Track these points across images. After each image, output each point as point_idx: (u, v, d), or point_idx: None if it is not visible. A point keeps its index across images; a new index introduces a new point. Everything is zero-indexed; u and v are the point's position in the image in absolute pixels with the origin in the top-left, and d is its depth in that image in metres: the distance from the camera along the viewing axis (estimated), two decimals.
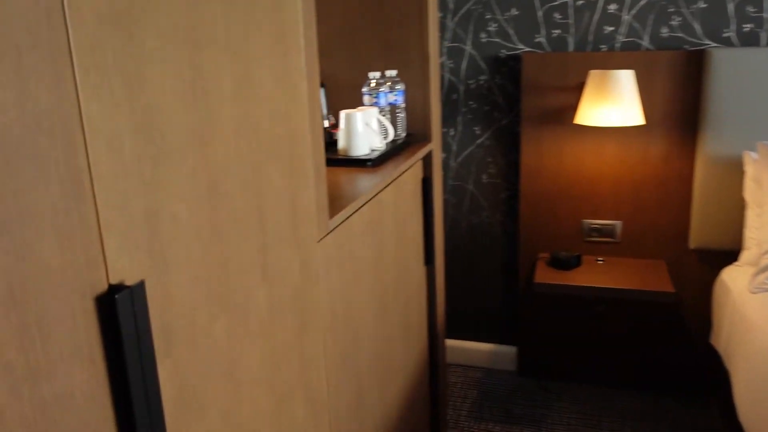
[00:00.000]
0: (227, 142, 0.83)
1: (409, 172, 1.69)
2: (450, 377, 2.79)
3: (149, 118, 0.68)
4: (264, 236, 0.93)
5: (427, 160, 1.93)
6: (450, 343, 2.88)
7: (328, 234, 1.17)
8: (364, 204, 1.35)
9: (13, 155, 0.52)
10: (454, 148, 2.65)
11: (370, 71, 1.89)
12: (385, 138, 1.75)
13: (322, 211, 1.14)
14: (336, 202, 1.28)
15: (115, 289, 0.63)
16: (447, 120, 2.62)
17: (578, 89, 2.38)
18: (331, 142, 1.77)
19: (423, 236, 1.86)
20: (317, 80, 1.09)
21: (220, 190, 0.82)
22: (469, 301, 2.80)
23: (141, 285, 0.66)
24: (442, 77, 2.58)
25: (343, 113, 1.66)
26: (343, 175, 1.55)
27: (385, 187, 1.48)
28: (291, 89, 1.00)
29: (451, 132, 2.63)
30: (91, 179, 0.60)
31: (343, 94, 1.93)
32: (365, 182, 1.42)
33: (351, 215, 1.28)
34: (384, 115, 1.80)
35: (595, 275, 2.34)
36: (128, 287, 0.64)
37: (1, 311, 0.52)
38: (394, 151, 1.72)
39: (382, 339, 1.50)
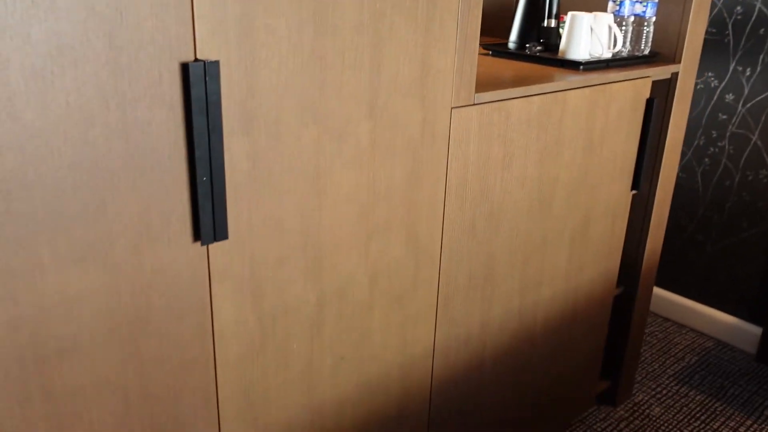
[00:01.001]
0: None
1: (625, 87, 1.61)
2: (673, 336, 2.59)
3: None
4: (376, 77, 1.07)
5: (666, 84, 1.78)
6: (682, 301, 2.65)
7: (470, 106, 1.24)
8: (531, 95, 1.36)
9: None
10: (746, 91, 2.32)
11: None
12: (614, 48, 1.67)
13: (466, 81, 1.21)
14: (500, 84, 1.33)
15: (198, 63, 0.85)
16: (745, 56, 2.30)
17: None
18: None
19: (636, 160, 1.76)
20: None
21: (326, 19, 0.97)
22: (720, 264, 2.52)
23: (216, 65, 0.86)
24: (751, 5, 2.25)
25: (570, 14, 1.63)
26: (541, 70, 1.56)
27: (572, 89, 1.46)
28: None
29: (747, 71, 2.31)
30: None
31: None
32: (556, 80, 1.43)
33: (509, 99, 1.32)
34: (624, 26, 1.71)
35: None
36: (204, 62, 0.85)
37: (102, 49, 0.77)
38: (617, 63, 1.65)
39: (533, 236, 1.52)
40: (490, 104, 1.29)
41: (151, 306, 0.91)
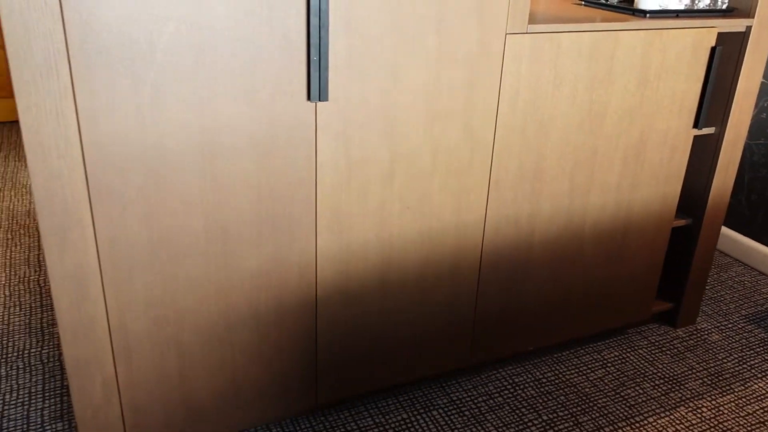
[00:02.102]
0: None
1: (684, 33, 1.90)
2: (762, 287, 2.76)
3: None
4: (443, 2, 1.53)
5: (740, 36, 2.03)
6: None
7: (522, 34, 1.66)
8: (582, 31, 1.74)
9: None
10: None
11: None
12: (687, 0, 1.96)
13: (519, 12, 1.63)
14: (558, 20, 1.72)
15: None
16: None
17: None
18: None
19: (698, 103, 2.04)
20: None
21: None
22: None
23: None
24: None
25: None
26: (609, 15, 1.90)
27: (624, 30, 1.80)
28: None
29: None
30: None
31: None
32: (614, 23, 1.78)
33: (560, 32, 1.71)
34: None
35: None
36: None
37: None
38: (687, 13, 1.94)
39: (583, 148, 1.90)
40: (542, 35, 1.69)
41: (278, 135, 1.48)
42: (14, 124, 4.20)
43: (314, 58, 1.44)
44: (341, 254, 1.68)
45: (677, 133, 2.05)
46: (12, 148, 3.79)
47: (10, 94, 4.11)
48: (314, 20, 1.41)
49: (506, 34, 1.65)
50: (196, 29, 1.33)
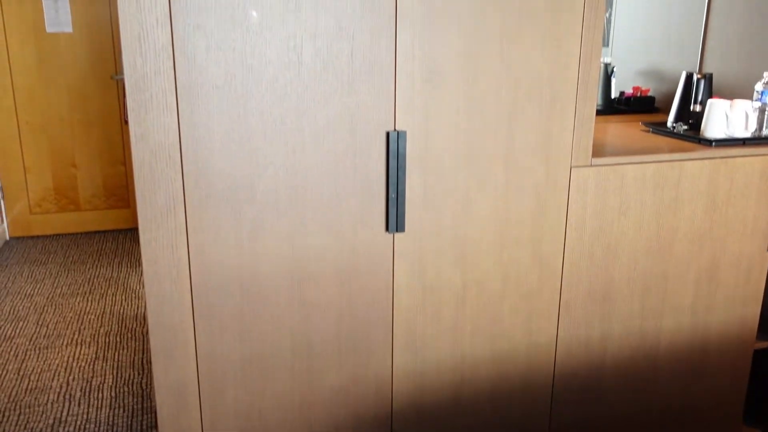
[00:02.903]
0: (488, 86, 1.63)
1: (751, 161, 1.96)
2: None
3: (436, 66, 1.57)
4: (510, 141, 1.69)
5: None
6: None
7: (587, 167, 1.78)
8: (645, 162, 1.84)
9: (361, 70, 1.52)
10: None
11: (767, 71, 2.13)
12: (749, 129, 2.03)
13: (583, 148, 1.76)
14: (620, 152, 1.84)
15: (394, 132, 1.57)
16: None
17: None
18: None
19: None
20: (596, 59, 1.71)
21: (475, 107, 1.64)
22: None
23: (404, 133, 1.58)
24: None
25: (709, 101, 2.05)
26: (676, 144, 2.00)
27: (689, 160, 1.89)
28: (557, 63, 1.68)
29: None
30: (395, 89, 1.55)
31: (738, 86, 2.22)
32: (678, 153, 1.88)
33: (623, 164, 1.82)
34: (765, 111, 2.06)
35: None
36: (397, 132, 1.57)
37: (348, 129, 1.54)
38: (754, 141, 2.01)
39: (652, 272, 1.95)
40: (606, 167, 1.81)
41: (359, 263, 1.64)
42: (129, 232, 4.63)
43: (392, 195, 1.61)
44: (416, 372, 1.78)
45: (751, 255, 2.06)
46: (125, 254, 4.18)
47: (126, 205, 4.56)
48: (393, 162, 1.59)
49: (571, 167, 1.77)
50: (291, 173, 1.53)
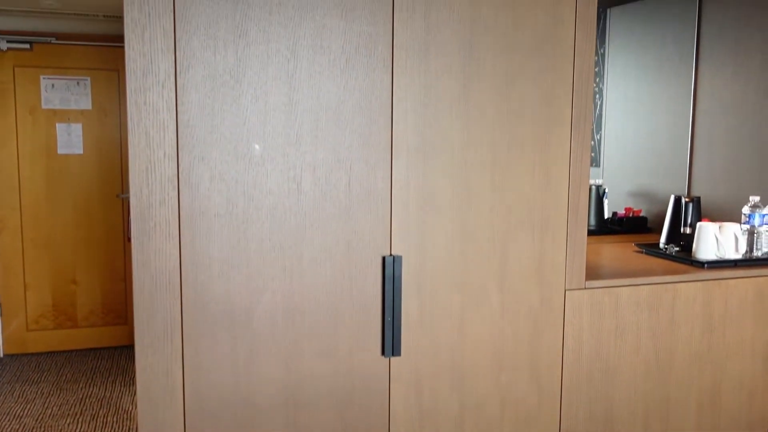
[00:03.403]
0: (481, 212, 1.69)
1: (744, 282, 1.99)
2: None
3: (431, 193, 1.63)
4: (504, 265, 1.72)
5: None
6: None
7: (581, 289, 1.81)
8: (640, 284, 1.87)
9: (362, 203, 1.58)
10: None
11: (753, 195, 2.20)
12: (739, 251, 2.07)
13: (576, 271, 1.80)
14: (614, 274, 1.87)
15: (390, 257, 1.61)
16: None
17: None
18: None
19: None
20: (585, 185, 1.77)
21: (468, 234, 1.68)
22: None
23: (399, 258, 1.62)
24: None
25: (699, 224, 2.11)
26: (669, 266, 2.03)
27: (682, 282, 1.91)
28: (547, 189, 1.74)
29: None
30: (391, 216, 1.61)
31: (726, 209, 2.29)
32: (672, 276, 1.91)
33: (617, 286, 1.85)
34: (756, 233, 2.11)
35: None
36: (393, 256, 1.61)
37: (344, 254, 1.58)
38: (746, 262, 2.04)
39: (653, 395, 1.92)
40: (600, 289, 1.83)
41: (354, 387, 1.63)
42: (125, 348, 4.58)
43: (388, 318, 1.63)
44: None
45: (753, 378, 2.04)
46: (120, 372, 4.11)
47: (124, 321, 4.54)
48: (389, 286, 1.62)
49: (566, 290, 1.80)
50: (288, 297, 1.56)
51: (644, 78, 2.78)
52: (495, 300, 1.73)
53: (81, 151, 4.21)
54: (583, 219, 1.80)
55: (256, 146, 1.49)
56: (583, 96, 1.76)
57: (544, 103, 1.72)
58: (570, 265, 1.79)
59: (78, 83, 4.08)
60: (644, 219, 2.83)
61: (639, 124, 2.85)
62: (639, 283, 1.87)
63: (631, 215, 2.85)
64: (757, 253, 2.11)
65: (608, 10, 2.81)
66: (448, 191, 1.66)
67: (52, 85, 4.05)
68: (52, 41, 3.95)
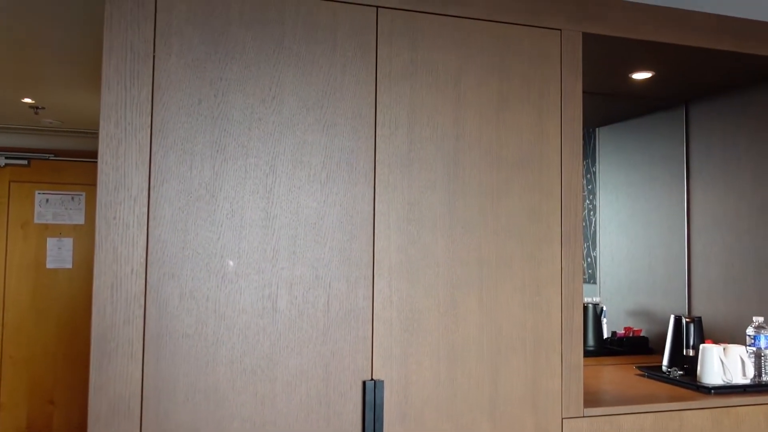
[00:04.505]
0: (469, 333, 1.59)
1: (756, 410, 1.85)
2: None
3: (415, 313, 1.54)
4: (494, 391, 1.60)
5: None
6: None
7: (579, 417, 1.67)
8: (643, 412, 1.74)
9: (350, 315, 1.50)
10: None
11: (756, 316, 2.11)
12: (746, 376, 1.95)
13: (573, 399, 1.67)
14: (615, 400, 1.74)
15: (371, 381, 1.50)
16: None
17: None
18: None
19: None
20: (578, 304, 1.69)
21: (456, 357, 1.58)
22: None
23: (381, 383, 1.51)
24: None
25: (702, 346, 2.00)
26: (673, 391, 1.90)
27: (688, 410, 1.78)
28: (538, 309, 1.65)
29: None
30: (372, 337, 1.51)
31: (728, 329, 2.18)
32: (677, 403, 1.78)
33: (619, 414, 1.71)
34: (761, 356, 1.99)
35: None
36: (374, 381, 1.50)
37: (322, 378, 1.48)
38: (755, 388, 1.91)
39: None
40: (600, 417, 1.70)
41: None
42: None
43: None
44: None
45: None
46: None
47: None
48: (369, 414, 1.49)
49: (562, 419, 1.66)
50: (260, 425, 1.43)
51: (636, 195, 2.76)
52: (486, 430, 1.60)
53: (70, 266, 4.14)
54: (579, 341, 1.70)
55: (230, 262, 1.42)
56: (572, 212, 1.72)
57: (532, 219, 1.67)
58: (566, 390, 1.67)
59: (73, 198, 4.09)
60: (645, 339, 2.71)
61: (634, 241, 2.80)
62: (642, 410, 1.74)
63: (630, 335, 2.73)
64: (766, 378, 1.98)
65: (597, 130, 2.85)
66: (433, 311, 1.57)
67: (47, 200, 4.05)
68: (50, 158, 4.00)
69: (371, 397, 1.50)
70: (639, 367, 2.25)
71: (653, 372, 2.17)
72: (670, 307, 2.65)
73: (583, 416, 1.68)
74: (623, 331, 2.77)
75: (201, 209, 1.42)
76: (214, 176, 1.43)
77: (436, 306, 1.58)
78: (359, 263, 1.52)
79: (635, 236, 2.79)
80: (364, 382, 1.51)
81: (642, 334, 2.77)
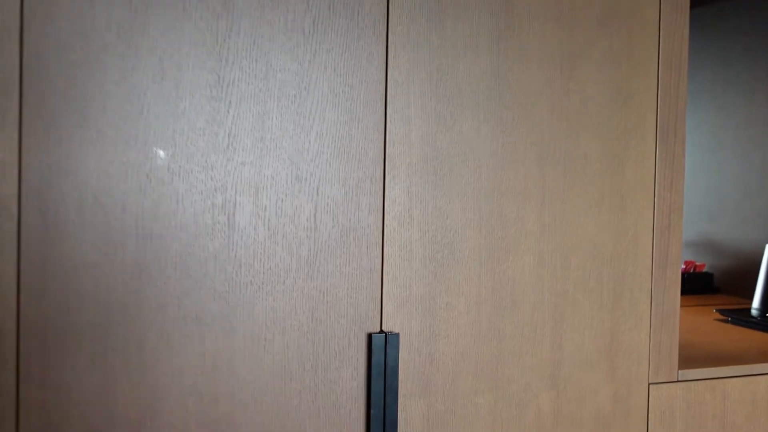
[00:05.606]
0: (523, 265, 1.09)
1: None
2: None
3: (446, 235, 1.04)
4: (558, 350, 1.11)
5: None
6: None
7: (672, 383, 1.19)
8: (757, 374, 1.25)
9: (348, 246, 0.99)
10: None
11: None
12: None
13: (665, 357, 1.18)
14: (712, 357, 1.26)
15: (381, 334, 1.00)
16: None
17: None
18: None
19: None
20: (677, 225, 1.18)
21: (507, 298, 1.08)
22: None
23: (396, 336, 1.01)
24: None
25: None
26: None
27: None
28: (622, 232, 1.14)
29: None
30: (382, 270, 1.01)
31: None
32: None
33: (725, 377, 1.23)
34: None
35: None
36: (386, 333, 1.00)
37: (306, 330, 0.98)
38: None
39: None
40: (700, 381, 1.21)
41: None
42: None
43: None
44: None
45: None
46: None
47: None
48: (377, 382, 1.01)
49: (649, 384, 1.18)
50: (209, 400, 0.94)
51: (708, 100, 2.22)
52: (544, 403, 1.11)
53: None
54: (676, 278, 1.19)
55: (160, 152, 0.90)
56: (674, 93, 1.18)
57: (616, 101, 1.14)
58: (655, 347, 1.18)
59: None
60: (710, 275, 2.22)
61: (699, 156, 2.27)
62: (756, 372, 1.26)
63: (693, 270, 2.24)
64: None
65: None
66: (473, 232, 1.06)
67: None
68: None
69: (380, 357, 1.01)
70: (719, 311, 1.76)
71: (739, 317, 1.67)
72: (742, 238, 2.14)
73: (678, 380, 1.20)
74: (683, 266, 2.27)
75: (111, 66, 0.88)
76: (133, 14, 0.89)
77: (477, 224, 1.07)
78: (363, 159, 1.00)
79: (701, 149, 2.26)
80: (369, 336, 1.01)
81: (705, 270, 2.27)
